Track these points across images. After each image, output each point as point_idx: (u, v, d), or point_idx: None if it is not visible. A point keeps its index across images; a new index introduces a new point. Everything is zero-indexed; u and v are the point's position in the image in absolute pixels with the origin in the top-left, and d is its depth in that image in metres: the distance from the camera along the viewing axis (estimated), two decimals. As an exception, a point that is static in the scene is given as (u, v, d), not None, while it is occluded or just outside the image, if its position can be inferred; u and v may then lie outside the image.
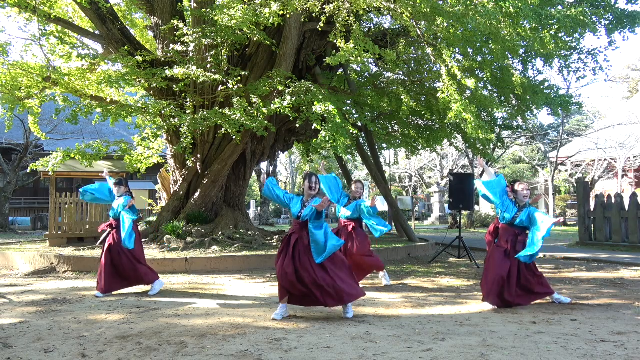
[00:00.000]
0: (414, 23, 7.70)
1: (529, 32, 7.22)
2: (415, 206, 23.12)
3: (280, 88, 8.69)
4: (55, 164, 10.21)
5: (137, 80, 9.59)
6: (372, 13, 10.71)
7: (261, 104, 8.57)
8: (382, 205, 15.40)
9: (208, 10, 8.71)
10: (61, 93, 10.00)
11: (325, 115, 8.09)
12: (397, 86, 10.78)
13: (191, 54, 9.05)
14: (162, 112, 9.19)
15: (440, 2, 7.75)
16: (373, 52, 7.72)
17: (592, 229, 12.37)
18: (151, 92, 10.79)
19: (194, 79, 8.64)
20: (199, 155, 10.61)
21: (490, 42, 8.01)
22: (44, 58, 9.79)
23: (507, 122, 12.91)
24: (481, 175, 6.28)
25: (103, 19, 10.25)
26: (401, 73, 11.78)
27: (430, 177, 32.26)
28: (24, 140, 19.34)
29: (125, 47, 9.58)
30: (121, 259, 6.28)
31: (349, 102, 12.04)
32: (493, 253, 5.65)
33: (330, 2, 8.10)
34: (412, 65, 11.43)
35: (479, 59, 9.22)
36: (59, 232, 10.86)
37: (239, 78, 9.06)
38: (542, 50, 7.64)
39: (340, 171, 16.92)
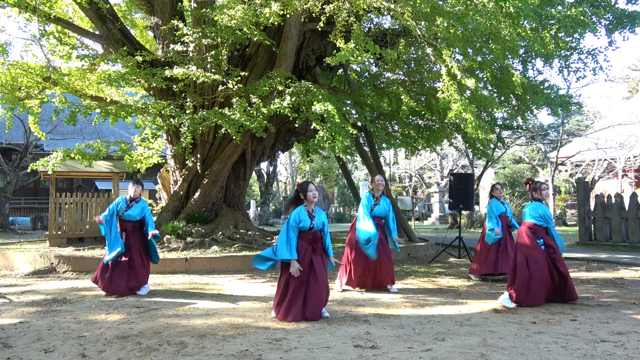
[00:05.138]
0: (414, 23, 7.69)
1: (529, 32, 7.21)
2: (415, 206, 23.08)
3: (280, 88, 8.69)
4: (55, 163, 10.20)
5: (137, 80, 9.59)
6: (372, 13, 10.69)
7: (261, 104, 8.56)
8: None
9: (208, 10, 8.70)
10: (60, 93, 9.99)
11: (325, 115, 8.09)
12: (397, 86, 10.76)
13: (191, 54, 9.04)
14: (162, 112, 9.19)
15: (440, 2, 7.74)
16: (374, 52, 7.72)
17: (592, 229, 12.36)
18: (151, 92, 10.79)
19: (194, 79, 8.63)
20: (199, 155, 10.60)
21: (490, 42, 8.00)
22: (44, 58, 9.80)
23: (507, 122, 12.87)
24: None
25: (103, 19, 10.25)
26: (401, 73, 11.75)
27: (430, 177, 32.23)
28: (24, 140, 19.32)
29: (125, 47, 9.58)
30: None
31: (348, 102, 12.02)
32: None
33: (330, 2, 8.09)
34: (412, 65, 11.40)
35: (479, 59, 9.21)
36: (59, 232, 10.85)
37: (239, 78, 9.06)
38: (542, 50, 7.63)
39: (340, 171, 16.88)
